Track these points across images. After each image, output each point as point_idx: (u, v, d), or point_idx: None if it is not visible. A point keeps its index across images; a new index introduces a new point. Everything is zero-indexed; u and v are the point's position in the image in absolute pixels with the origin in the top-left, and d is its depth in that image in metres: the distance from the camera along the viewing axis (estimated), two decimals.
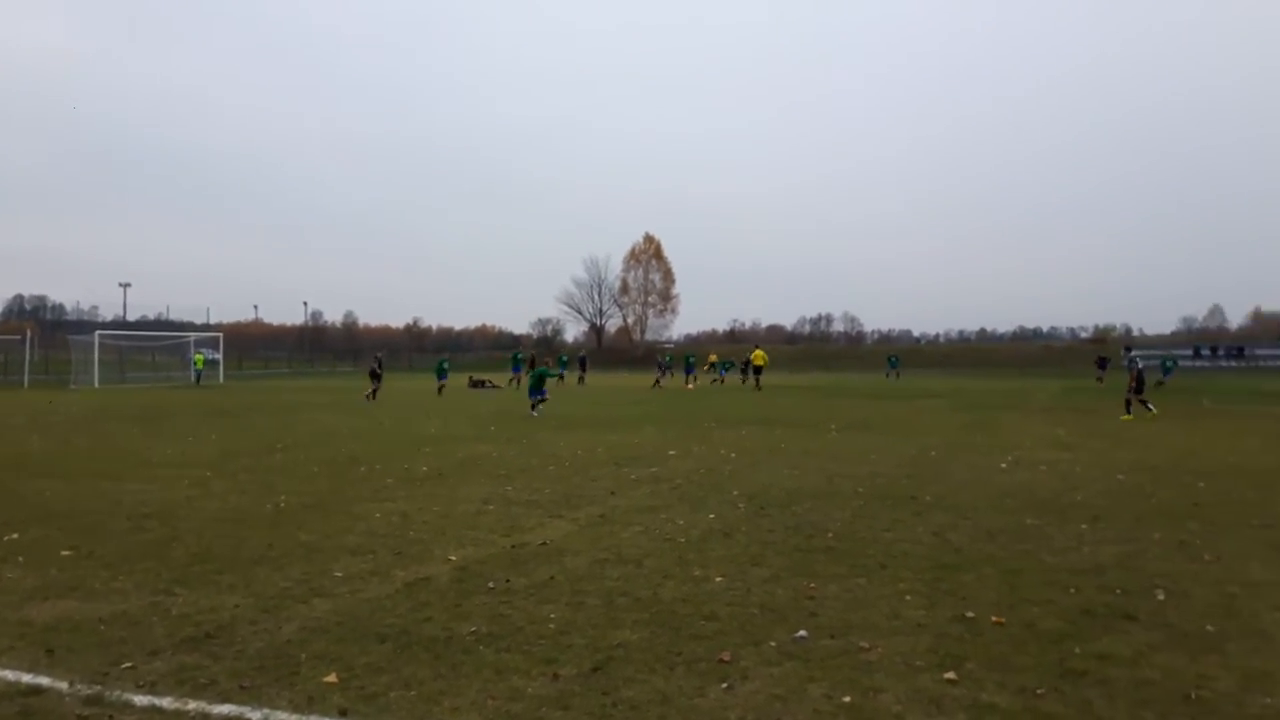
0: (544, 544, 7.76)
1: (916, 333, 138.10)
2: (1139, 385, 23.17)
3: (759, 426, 20.03)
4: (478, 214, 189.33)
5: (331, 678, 4.56)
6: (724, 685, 4.46)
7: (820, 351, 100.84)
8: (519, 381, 40.19)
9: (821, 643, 5.12)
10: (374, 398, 30.09)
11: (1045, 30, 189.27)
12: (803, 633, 5.28)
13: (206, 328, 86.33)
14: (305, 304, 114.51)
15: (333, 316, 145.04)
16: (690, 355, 38.73)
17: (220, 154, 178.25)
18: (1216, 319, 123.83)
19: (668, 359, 38.43)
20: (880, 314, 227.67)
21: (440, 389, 36.81)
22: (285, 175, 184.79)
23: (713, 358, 51.55)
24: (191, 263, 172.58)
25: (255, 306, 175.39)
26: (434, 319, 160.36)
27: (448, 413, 24.87)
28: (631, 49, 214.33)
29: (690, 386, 38.03)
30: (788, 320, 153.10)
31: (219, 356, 57.90)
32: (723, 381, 46.26)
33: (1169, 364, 44.35)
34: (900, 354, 71.23)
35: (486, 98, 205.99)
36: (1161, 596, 6.06)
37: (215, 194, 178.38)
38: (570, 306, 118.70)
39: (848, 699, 4.27)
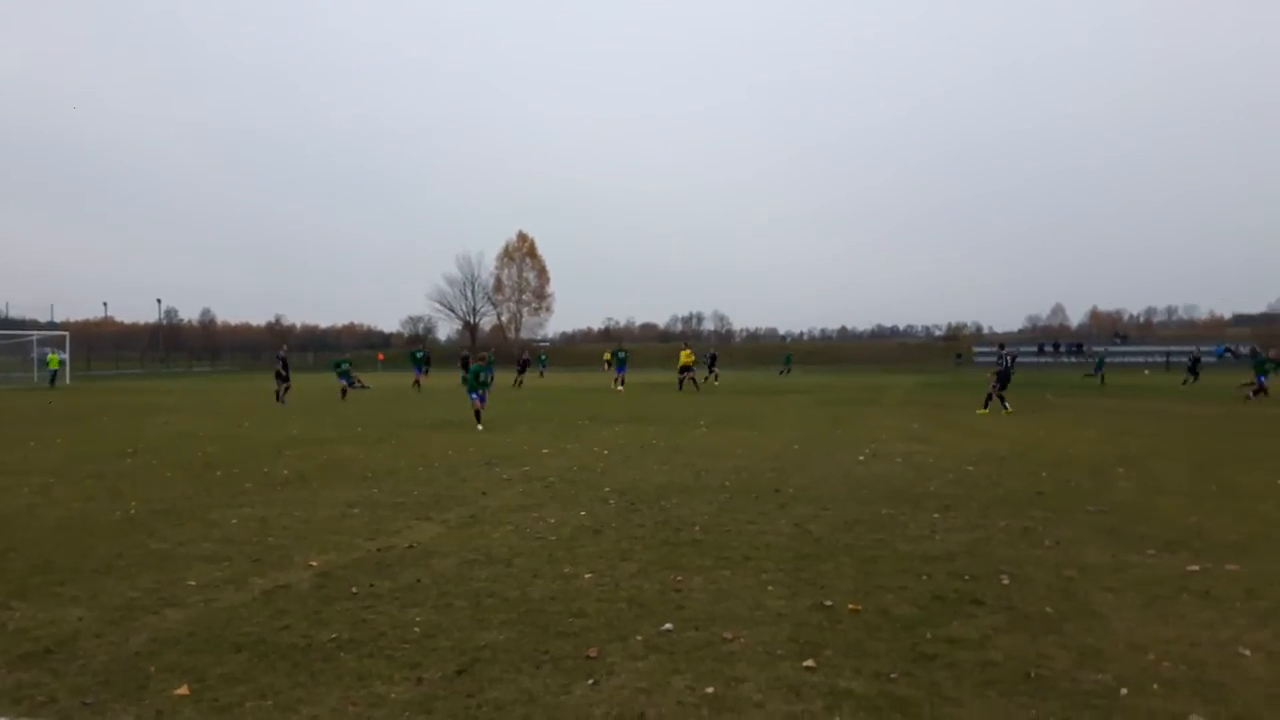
0: (411, 547, 7.59)
1: (782, 330, 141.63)
2: (1003, 382, 23.99)
3: (631, 424, 20.13)
4: (344, 210, 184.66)
5: (183, 690, 4.34)
6: (590, 681, 4.45)
7: (696, 350, 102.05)
8: (421, 383, 39.15)
9: (686, 635, 5.18)
10: (283, 399, 28.69)
11: (909, 57, 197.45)
12: (668, 625, 5.33)
13: (51, 326, 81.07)
14: (159, 301, 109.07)
15: (189, 314, 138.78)
16: (622, 351, 37.27)
17: (58, 141, 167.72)
18: (1059, 317, 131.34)
19: (622, 354, 37.28)
20: (748, 313, 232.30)
21: (344, 392, 36.19)
22: (134, 167, 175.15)
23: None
24: (32, 257, 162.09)
25: (104, 304, 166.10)
26: (298, 317, 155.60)
27: (312, 414, 24.06)
28: (509, 43, 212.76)
29: (620, 388, 36.85)
30: (660, 319, 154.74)
31: (66, 356, 54.52)
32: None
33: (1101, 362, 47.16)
34: (789, 351, 72.96)
35: (350, 92, 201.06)
36: (1006, 581, 6.36)
37: (57, 185, 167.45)
38: (443, 304, 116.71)
39: (710, 690, 4.32)
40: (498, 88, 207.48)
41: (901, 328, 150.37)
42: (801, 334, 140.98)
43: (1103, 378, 45.17)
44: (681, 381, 36.67)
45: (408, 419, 22.08)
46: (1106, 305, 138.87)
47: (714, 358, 44.40)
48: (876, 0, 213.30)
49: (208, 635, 5.24)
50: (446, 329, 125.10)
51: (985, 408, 23.53)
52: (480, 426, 18.69)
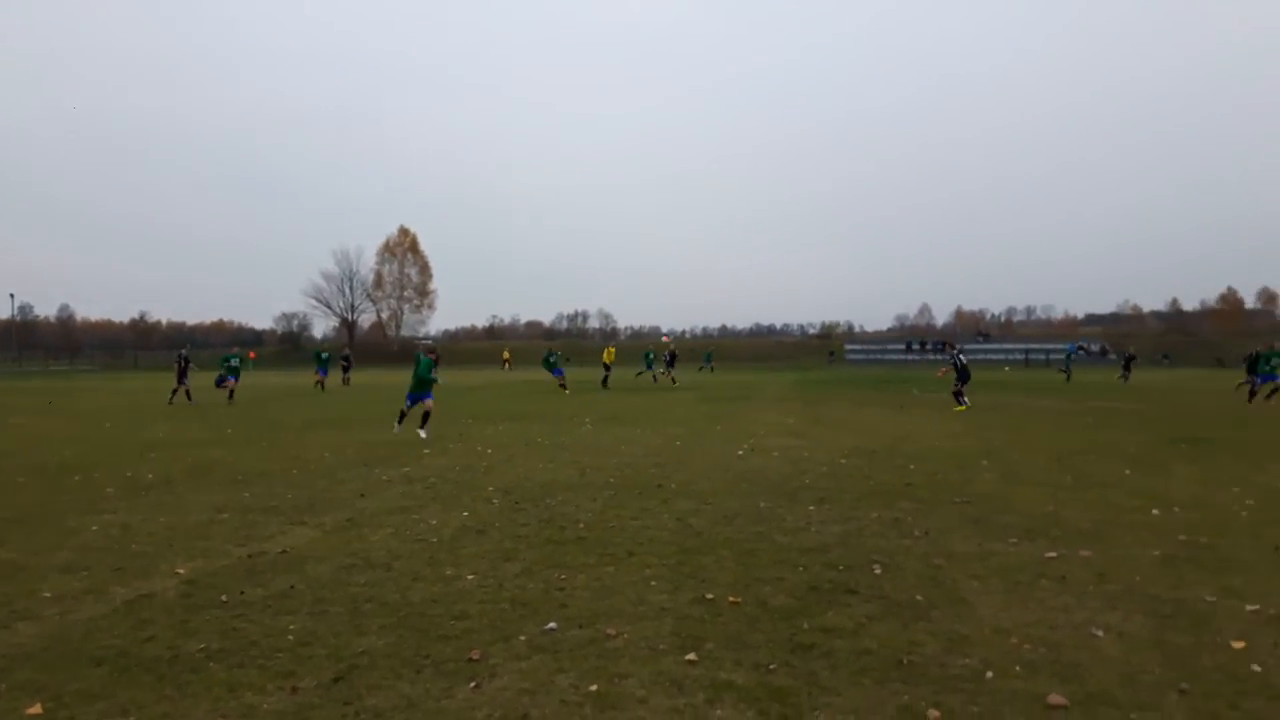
0: (284, 552, 7.32)
1: (665, 329, 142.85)
2: (963, 379, 24.57)
3: (515, 422, 19.95)
4: (214, 201, 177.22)
5: (35, 709, 4.07)
6: (472, 684, 4.37)
7: (578, 348, 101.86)
8: (324, 384, 37.67)
9: (570, 633, 5.14)
10: (190, 398, 27.18)
11: (782, 77, 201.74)
12: (552, 624, 5.28)
13: None
14: (12, 296, 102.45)
15: (45, 310, 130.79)
16: (554, 355, 36.06)
17: None
18: (925, 316, 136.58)
19: (555, 357, 36.25)
20: (633, 312, 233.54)
21: (320, 383, 35.24)
22: None
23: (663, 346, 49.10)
24: None
25: None
26: (164, 313, 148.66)
27: (180, 415, 23.00)
28: (394, 33, 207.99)
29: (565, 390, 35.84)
30: (546, 316, 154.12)
31: None
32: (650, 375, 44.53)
33: (1070, 357, 48.70)
34: (709, 349, 73.48)
35: (223, 76, 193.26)
36: (878, 570, 6.55)
37: None
38: (319, 301, 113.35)
39: (594, 687, 4.30)
40: (381, 80, 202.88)
41: (779, 326, 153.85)
42: (684, 332, 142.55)
43: (1069, 375, 46.31)
44: (605, 380, 36.61)
45: (281, 420, 21.34)
46: (970, 305, 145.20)
47: (673, 356, 43.91)
48: (746, 15, 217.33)
49: (64, 649, 4.93)
50: (323, 326, 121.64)
51: (960, 404, 23.95)
52: (423, 433, 16.37)
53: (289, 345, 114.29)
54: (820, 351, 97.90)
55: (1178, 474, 11.44)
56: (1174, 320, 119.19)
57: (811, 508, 9.08)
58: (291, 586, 6.24)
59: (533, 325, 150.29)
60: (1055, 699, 4.10)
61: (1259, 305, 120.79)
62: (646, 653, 4.81)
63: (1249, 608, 5.54)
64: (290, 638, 5.12)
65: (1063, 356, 49.23)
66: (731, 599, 5.79)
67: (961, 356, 25.63)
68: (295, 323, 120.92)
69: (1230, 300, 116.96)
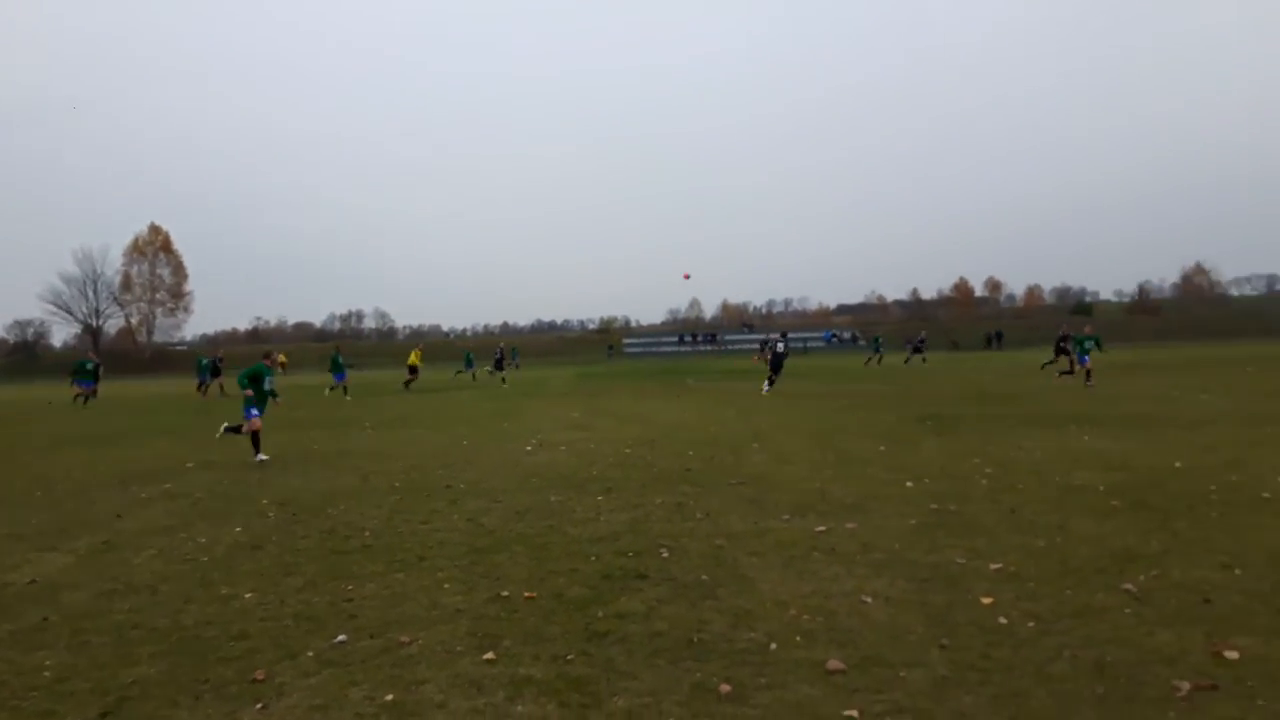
0: (33, 582, 6.61)
1: (445, 328, 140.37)
2: (775, 365, 25.90)
3: (292, 430, 18.95)
4: None
5: None
6: (258, 706, 4.12)
7: (355, 349, 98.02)
8: (206, 390, 33.79)
9: (361, 644, 4.95)
10: (87, 401, 24.16)
11: (560, 77, 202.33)
12: (342, 637, 5.06)
13: None
14: None
15: None
16: (340, 356, 33.45)
17: None
18: (695, 310, 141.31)
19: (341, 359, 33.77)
20: (411, 311, 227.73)
21: (203, 388, 33.22)
22: None
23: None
24: None
25: None
26: None
27: None
28: (146, 21, 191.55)
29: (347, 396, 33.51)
30: (317, 317, 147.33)
31: None
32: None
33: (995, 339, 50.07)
34: (513, 346, 72.09)
35: None
36: (665, 554, 6.73)
37: None
38: (58, 306, 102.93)
39: (390, 697, 4.17)
40: (130, 72, 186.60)
41: (559, 322, 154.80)
42: (465, 330, 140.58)
43: (880, 359, 48.56)
44: (409, 383, 35.24)
45: (22, 438, 19.26)
46: (735, 298, 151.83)
47: (502, 355, 42.25)
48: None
49: None
50: (63, 334, 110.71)
51: (767, 388, 25.51)
52: (262, 456, 13.58)
53: (23, 356, 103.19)
54: (600, 346, 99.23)
55: (926, 448, 12.45)
56: (914, 308, 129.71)
57: (600, 498, 9.20)
58: (44, 619, 5.65)
59: (302, 327, 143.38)
60: (834, 664, 4.36)
61: (986, 293, 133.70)
62: (443, 656, 4.71)
63: (993, 566, 6.12)
64: (47, 674, 4.64)
65: (821, 343, 52.57)
66: (527, 594, 5.77)
67: (780, 345, 26.97)
68: (31, 331, 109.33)
69: (962, 289, 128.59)
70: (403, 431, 17.66)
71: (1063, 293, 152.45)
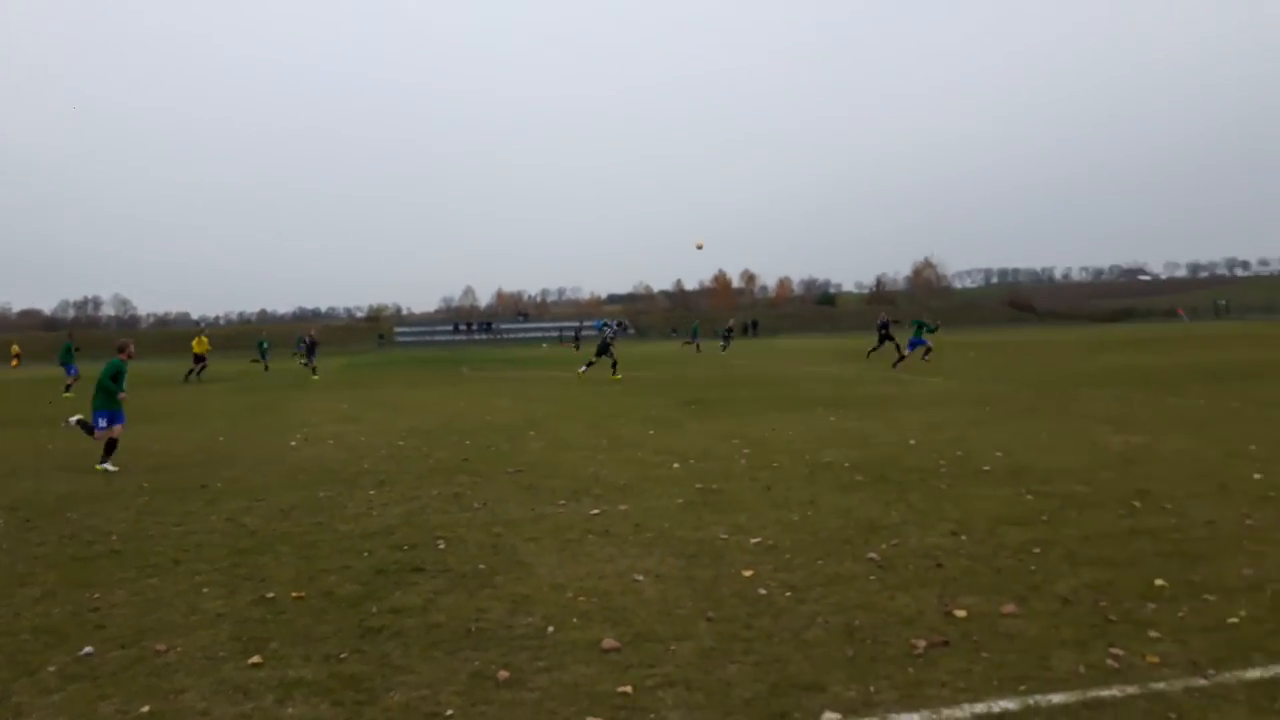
0: None
1: (196, 315, 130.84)
2: (600, 350, 26.47)
3: (19, 427, 17.06)
4: None
5: None
6: None
7: (90, 338, 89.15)
8: (73, 385, 27.83)
9: (112, 655, 4.55)
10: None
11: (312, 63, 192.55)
12: (88, 649, 4.63)
13: None
14: None
15: None
16: (74, 344, 28.53)
17: None
18: (470, 298, 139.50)
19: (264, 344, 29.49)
20: (157, 297, 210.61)
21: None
22: None
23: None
24: None
25: None
26: None
27: None
28: None
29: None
30: (47, 304, 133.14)
31: None
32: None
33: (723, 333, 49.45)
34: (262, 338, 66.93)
35: None
36: (442, 546, 6.63)
37: None
38: None
39: (146, 708, 3.87)
40: None
41: (324, 309, 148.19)
42: (218, 318, 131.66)
43: (698, 346, 49.06)
44: (195, 373, 31.86)
45: None
46: (510, 287, 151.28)
47: (313, 343, 37.38)
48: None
49: None
50: None
51: (584, 370, 26.90)
52: (111, 466, 11.05)
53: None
54: (370, 334, 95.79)
55: (690, 431, 12.95)
56: (679, 298, 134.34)
57: (373, 492, 8.92)
58: None
59: (29, 314, 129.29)
60: (609, 643, 4.46)
61: (743, 284, 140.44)
62: (204, 663, 4.41)
63: (752, 540, 6.47)
64: None
65: (593, 331, 53.52)
66: (295, 594, 5.51)
67: (612, 333, 27.70)
68: None
69: (721, 280, 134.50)
70: (146, 427, 16.20)
71: (810, 284, 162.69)
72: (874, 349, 30.55)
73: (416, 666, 4.28)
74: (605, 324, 34.98)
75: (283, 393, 24.93)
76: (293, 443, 13.08)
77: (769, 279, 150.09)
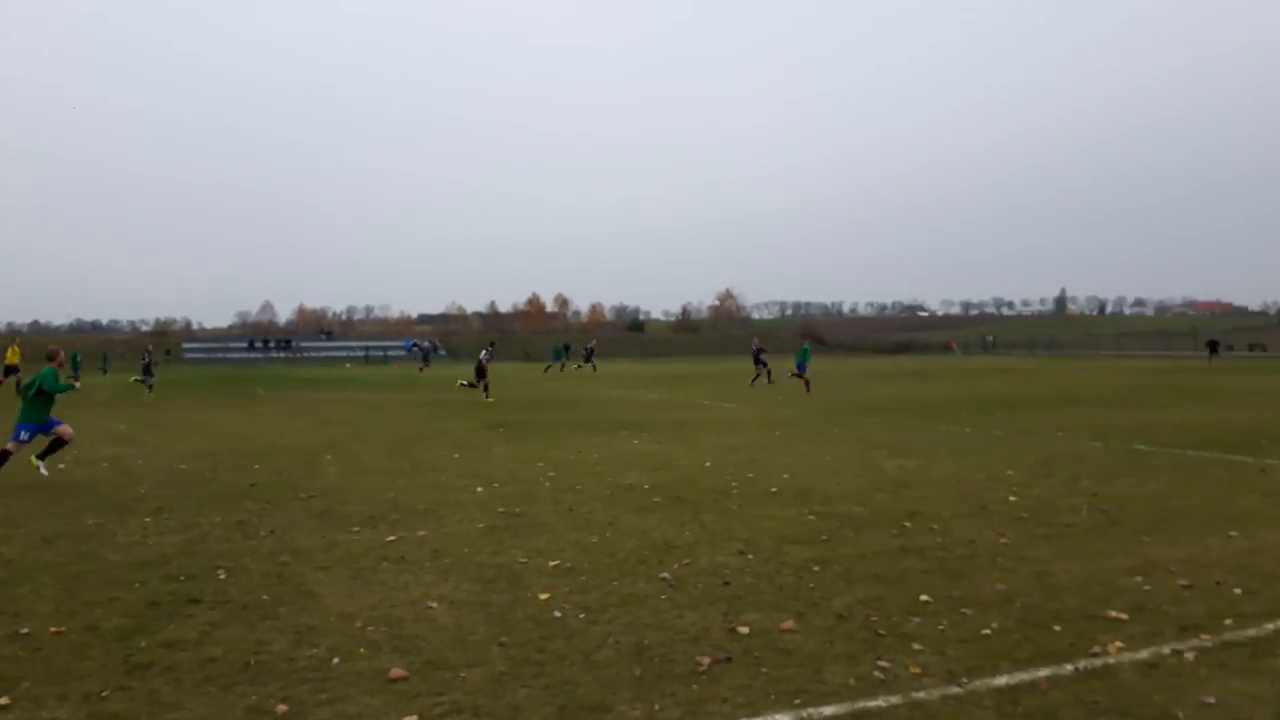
0: None
1: None
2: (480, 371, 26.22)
3: None
4: None
5: None
6: None
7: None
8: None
9: None
10: None
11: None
12: None
13: None
14: None
15: None
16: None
17: None
18: (268, 314, 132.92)
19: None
20: None
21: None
22: None
23: None
24: None
25: None
26: None
27: None
28: None
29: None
30: None
31: None
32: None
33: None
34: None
35: None
36: (223, 576, 6.25)
37: None
38: None
39: None
40: None
41: (105, 322, 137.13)
42: None
43: (562, 367, 48.06)
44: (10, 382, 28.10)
45: None
46: (313, 303, 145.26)
47: (149, 356, 32.98)
48: None
49: None
50: None
51: (464, 384, 27.49)
52: (43, 468, 10.95)
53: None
54: (156, 349, 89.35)
55: (497, 454, 12.85)
56: (493, 320, 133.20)
57: (148, 519, 8.30)
58: None
59: None
60: (396, 672, 4.35)
61: (556, 308, 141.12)
62: None
63: (551, 563, 6.48)
64: None
65: (402, 352, 52.17)
66: (54, 629, 5.04)
67: (484, 355, 27.13)
68: None
69: (535, 304, 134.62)
70: None
71: (621, 310, 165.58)
72: (756, 377, 31.18)
73: (187, 703, 4.01)
74: (414, 343, 34.31)
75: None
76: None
77: (581, 304, 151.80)
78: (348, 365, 70.36)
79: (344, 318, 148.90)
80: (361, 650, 4.69)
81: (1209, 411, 19.30)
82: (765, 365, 31.37)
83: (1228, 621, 5.01)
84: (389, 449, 13.65)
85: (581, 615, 5.26)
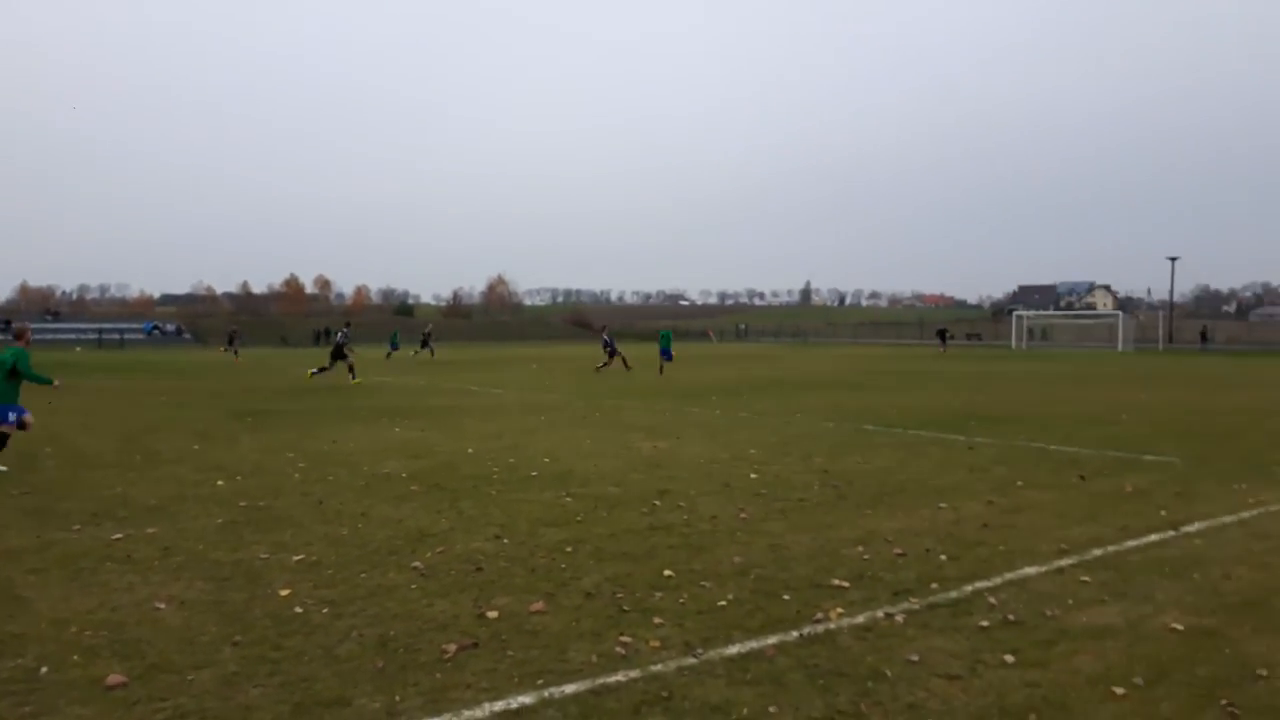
0: None
1: None
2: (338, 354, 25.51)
3: None
4: None
5: None
6: None
7: None
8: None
9: None
10: None
11: None
12: None
13: None
14: None
15: None
16: None
17: None
18: None
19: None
20: None
21: None
22: None
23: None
24: None
25: None
26: None
27: None
28: None
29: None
30: None
31: None
32: None
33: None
34: None
35: None
36: None
37: None
38: None
39: None
40: None
41: None
42: None
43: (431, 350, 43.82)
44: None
45: None
46: (37, 280, 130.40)
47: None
48: None
49: None
50: None
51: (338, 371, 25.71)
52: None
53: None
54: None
55: (243, 445, 12.09)
56: (245, 301, 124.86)
57: None
58: None
59: None
60: (114, 678, 4.00)
61: (317, 290, 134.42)
62: None
63: (295, 558, 6.19)
64: None
65: (141, 335, 47.66)
66: None
67: (340, 335, 26.28)
68: None
69: (293, 285, 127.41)
70: None
71: (388, 294, 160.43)
72: (605, 364, 31.25)
73: None
74: (155, 326, 31.53)
75: None
76: None
77: (345, 286, 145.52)
78: (78, 349, 63.65)
79: (74, 297, 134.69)
80: (75, 657, 4.29)
81: (928, 395, 21.30)
82: (617, 353, 31.78)
83: (934, 585, 5.56)
84: (121, 440, 12.53)
85: (325, 610, 5.07)
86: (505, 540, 6.70)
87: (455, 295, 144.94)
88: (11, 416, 9.95)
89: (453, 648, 4.44)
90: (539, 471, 9.77)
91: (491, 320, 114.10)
